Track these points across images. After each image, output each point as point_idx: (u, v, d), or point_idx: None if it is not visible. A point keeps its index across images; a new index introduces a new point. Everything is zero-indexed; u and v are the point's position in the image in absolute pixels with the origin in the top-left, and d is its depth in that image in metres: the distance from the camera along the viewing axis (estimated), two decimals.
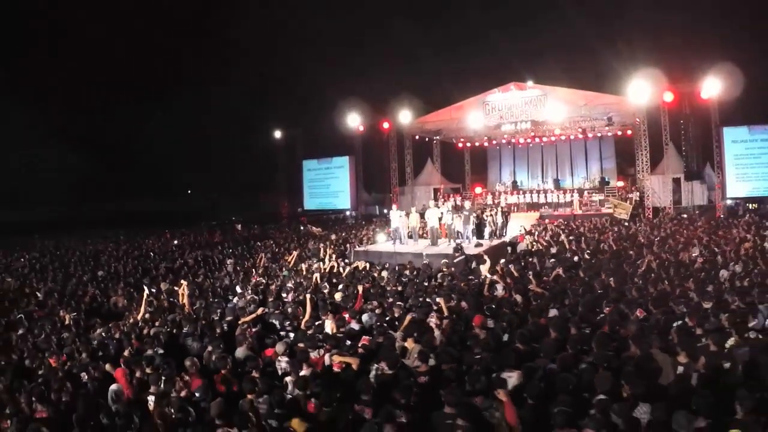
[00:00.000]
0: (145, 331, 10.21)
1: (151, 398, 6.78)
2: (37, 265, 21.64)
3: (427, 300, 10.39)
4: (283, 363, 7.76)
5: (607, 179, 32.25)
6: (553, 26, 34.39)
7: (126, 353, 8.71)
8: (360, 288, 11.24)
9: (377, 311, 9.90)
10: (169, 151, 48.19)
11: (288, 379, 7.08)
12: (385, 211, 25.03)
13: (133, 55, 44.97)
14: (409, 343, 7.66)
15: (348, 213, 35.87)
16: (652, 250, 15.55)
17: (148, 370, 7.51)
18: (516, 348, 7.07)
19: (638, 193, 28.68)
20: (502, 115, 27.93)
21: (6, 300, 15.37)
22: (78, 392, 7.11)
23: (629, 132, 30.37)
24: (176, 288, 13.20)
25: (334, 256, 16.81)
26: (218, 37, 44.60)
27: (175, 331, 10.09)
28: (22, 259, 23.06)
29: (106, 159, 49.72)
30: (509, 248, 17.62)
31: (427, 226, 18.87)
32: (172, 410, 6.13)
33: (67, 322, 11.83)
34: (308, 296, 9.96)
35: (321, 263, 15.71)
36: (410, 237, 19.24)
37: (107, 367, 7.86)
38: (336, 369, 7.20)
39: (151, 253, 22.97)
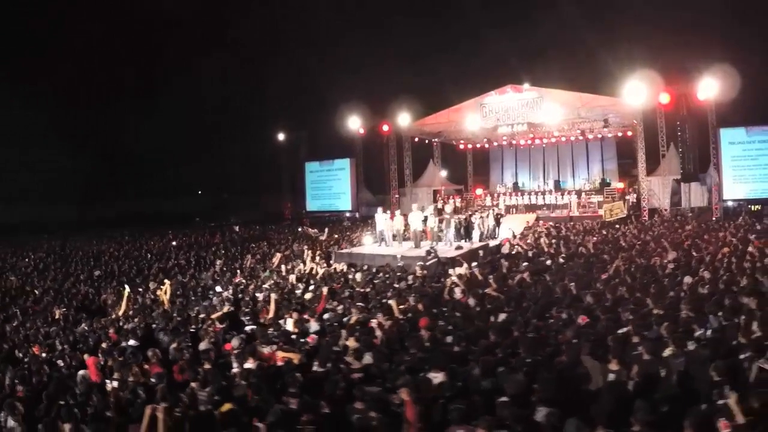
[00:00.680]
0: (125, 326, 11.52)
1: (115, 383, 8.02)
2: (41, 264, 23.12)
3: (384, 301, 11.13)
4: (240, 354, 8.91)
5: (608, 180, 32.75)
6: (549, 28, 35.13)
7: (104, 345, 10.01)
8: (325, 289, 12.22)
9: (339, 311, 11.01)
10: (176, 151, 50.04)
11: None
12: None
13: (139, 57, 46.77)
14: (351, 342, 8.53)
15: (348, 214, 37.05)
16: (629, 254, 15.67)
17: (120, 359, 8.80)
18: (447, 350, 7.74)
19: (635, 195, 29.28)
20: (499, 117, 28.79)
21: (7, 297, 16.80)
22: (52, 375, 8.37)
23: (629, 133, 30.91)
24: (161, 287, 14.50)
25: (317, 257, 17.98)
26: (223, 40, 46.19)
27: (153, 326, 11.39)
28: (27, 259, 24.57)
29: (115, 159, 51.52)
30: (481, 252, 18.33)
31: (411, 228, 19.79)
32: (126, 393, 7.36)
33: (57, 316, 13.13)
34: (273, 296, 11.11)
35: (303, 264, 16.87)
36: (394, 238, 20.08)
37: (85, 356, 9.13)
38: (279, 363, 8.16)
39: (148, 254, 24.40)
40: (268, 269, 17.17)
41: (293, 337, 9.48)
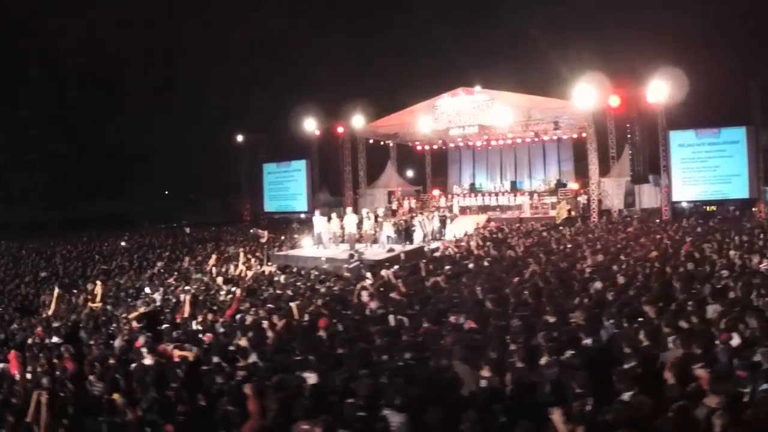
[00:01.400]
0: (53, 324, 12.83)
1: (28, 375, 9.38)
2: None
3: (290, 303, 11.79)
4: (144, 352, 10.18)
5: (564, 181, 33.70)
6: (501, 32, 36.44)
7: (30, 341, 11.36)
8: (238, 291, 13.31)
9: (251, 312, 12.16)
10: (145, 152, 51.37)
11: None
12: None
13: (106, 57, 47.87)
14: (243, 341, 9.36)
15: (303, 216, 37.70)
16: (558, 257, 16.18)
17: (37, 354, 10.17)
18: (325, 351, 8.47)
19: (586, 197, 30.23)
20: (451, 119, 29.82)
21: None
22: None
23: (584, 135, 31.76)
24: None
25: (256, 259, 19.27)
26: (184, 43, 47.43)
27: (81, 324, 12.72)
28: None
29: (82, 160, 52.36)
30: (402, 255, 18.89)
31: (345, 231, 20.72)
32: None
33: None
34: (187, 297, 12.40)
35: (233, 267, 18.11)
36: (331, 240, 20.97)
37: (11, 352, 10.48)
38: (176, 359, 9.05)
39: (97, 255, 25.62)
40: (201, 271, 18.46)
41: (200, 336, 10.75)
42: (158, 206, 55.32)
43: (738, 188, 29.40)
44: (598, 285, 11.51)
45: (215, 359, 8.68)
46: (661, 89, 26.94)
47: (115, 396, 7.53)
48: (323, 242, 20.76)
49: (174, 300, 14.18)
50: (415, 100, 31.18)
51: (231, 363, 8.51)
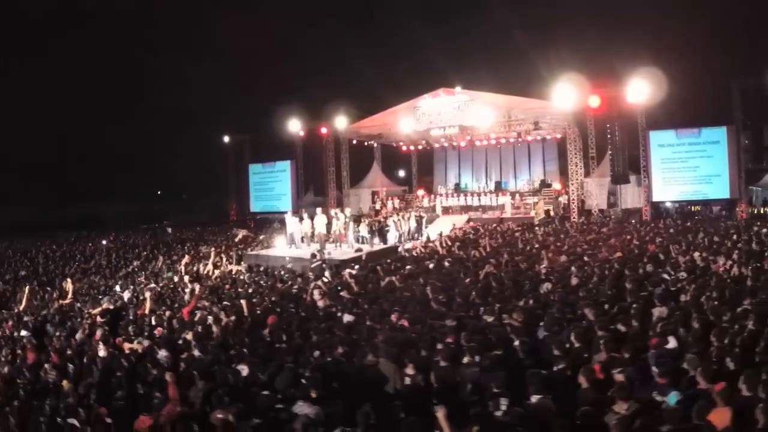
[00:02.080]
0: (24, 319, 14.09)
1: None
2: None
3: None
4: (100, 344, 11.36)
5: (549, 182, 34.45)
6: (482, 33, 37.54)
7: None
8: (194, 288, 14.28)
9: (208, 309, 13.08)
10: (138, 154, 52.88)
11: None
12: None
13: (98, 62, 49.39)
14: (189, 335, 10.25)
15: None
16: (521, 257, 16.61)
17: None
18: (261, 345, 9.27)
19: (566, 197, 30.95)
20: (432, 120, 30.71)
21: None
22: None
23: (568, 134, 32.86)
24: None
25: (224, 259, 20.42)
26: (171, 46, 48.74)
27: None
28: None
29: (79, 162, 54.21)
30: (363, 255, 19.59)
31: (316, 231, 21.39)
32: None
33: None
34: (148, 294, 13.54)
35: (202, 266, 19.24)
36: (303, 241, 21.79)
37: None
38: (126, 351, 10.11)
39: (78, 255, 26.90)
40: (172, 270, 19.63)
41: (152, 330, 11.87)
42: (151, 207, 56.65)
43: (718, 188, 29.91)
44: (548, 286, 11.91)
45: (162, 352, 9.53)
46: (641, 89, 27.49)
47: (64, 383, 8.71)
48: (295, 242, 21.60)
49: (142, 297, 15.31)
50: (396, 101, 32.07)
51: (176, 355, 9.34)
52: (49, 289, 18.06)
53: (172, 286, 16.64)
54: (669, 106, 29.34)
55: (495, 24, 36.96)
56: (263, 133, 41.28)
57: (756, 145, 32.60)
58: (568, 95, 27.34)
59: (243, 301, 12.13)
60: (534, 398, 6.08)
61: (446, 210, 32.38)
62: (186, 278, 16.91)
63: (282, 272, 17.27)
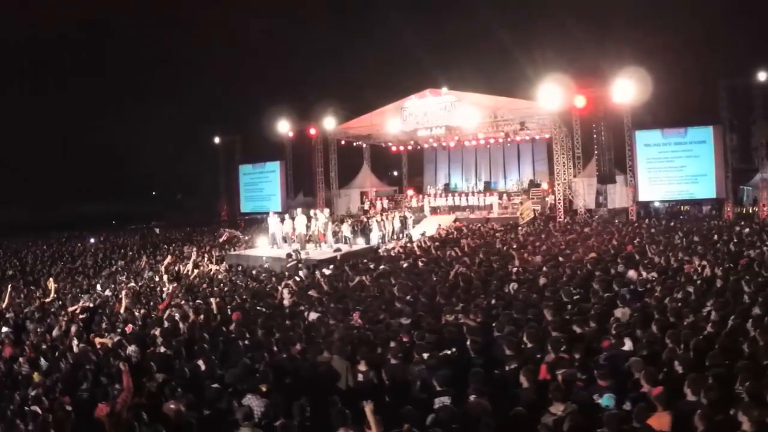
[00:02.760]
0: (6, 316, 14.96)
1: None
2: None
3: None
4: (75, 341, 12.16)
5: (538, 182, 34.96)
6: (468, 33, 38.08)
7: None
8: (170, 287, 15.07)
9: (182, 306, 13.80)
10: (134, 154, 53.66)
11: None
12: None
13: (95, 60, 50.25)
14: (157, 332, 10.88)
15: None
16: (488, 257, 16.70)
17: None
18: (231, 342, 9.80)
19: (553, 197, 31.37)
20: (419, 121, 31.22)
21: None
22: None
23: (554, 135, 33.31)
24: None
25: (205, 258, 21.24)
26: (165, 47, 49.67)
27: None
28: None
29: (76, 160, 55.06)
30: (338, 255, 20.08)
31: (296, 231, 22.08)
32: None
33: None
34: (123, 293, 14.36)
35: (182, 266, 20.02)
36: (285, 241, 22.38)
37: None
38: (97, 346, 10.93)
39: (66, 255, 27.82)
40: (153, 269, 20.48)
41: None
42: (146, 207, 57.60)
43: (705, 188, 30.29)
44: (514, 286, 12.19)
45: (132, 347, 10.16)
46: (626, 89, 27.73)
47: (35, 375, 9.54)
48: (277, 242, 22.31)
49: (120, 296, 16.13)
50: (384, 102, 32.61)
51: (144, 350, 9.98)
52: (33, 287, 18.91)
53: (151, 285, 17.42)
54: (655, 106, 29.85)
55: (481, 24, 37.50)
56: (253, 134, 42.10)
57: (744, 145, 32.97)
58: (553, 95, 27.64)
59: (213, 300, 12.75)
60: (472, 397, 6.27)
61: (434, 210, 32.78)
62: (165, 278, 17.64)
63: (259, 272, 17.90)
